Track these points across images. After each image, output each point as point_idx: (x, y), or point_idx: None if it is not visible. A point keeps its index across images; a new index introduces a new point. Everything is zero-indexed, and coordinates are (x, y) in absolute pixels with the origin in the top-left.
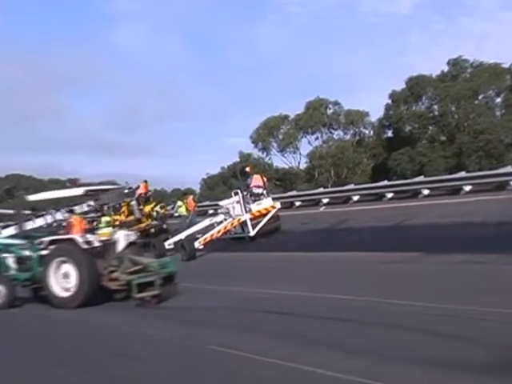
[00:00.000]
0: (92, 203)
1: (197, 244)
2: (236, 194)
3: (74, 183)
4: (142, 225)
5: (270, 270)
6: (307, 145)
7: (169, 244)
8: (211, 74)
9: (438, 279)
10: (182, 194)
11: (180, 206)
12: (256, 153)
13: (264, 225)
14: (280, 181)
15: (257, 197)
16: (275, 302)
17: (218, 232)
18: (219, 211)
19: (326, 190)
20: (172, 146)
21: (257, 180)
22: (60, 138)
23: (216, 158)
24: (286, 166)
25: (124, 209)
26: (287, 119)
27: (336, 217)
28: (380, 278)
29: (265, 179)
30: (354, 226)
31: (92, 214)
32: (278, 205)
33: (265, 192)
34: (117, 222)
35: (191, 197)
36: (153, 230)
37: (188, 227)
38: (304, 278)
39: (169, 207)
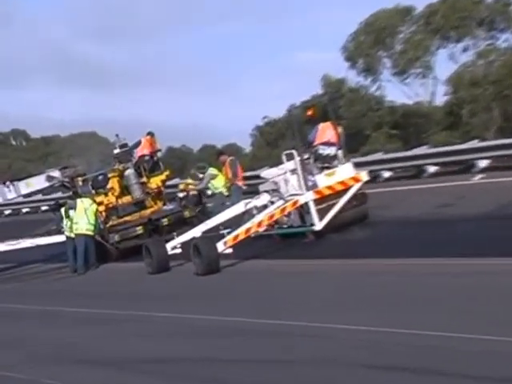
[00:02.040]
0: (56, 174)
1: (221, 246)
2: (289, 157)
3: None
4: (147, 211)
5: (366, 292)
6: (448, 62)
7: (173, 247)
8: None
9: None
10: (217, 155)
11: (214, 177)
12: (354, 78)
13: (340, 211)
14: (398, 128)
15: (326, 162)
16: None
17: (259, 224)
18: (261, 188)
19: (485, 143)
20: (197, 72)
21: (326, 132)
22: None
23: (280, 90)
24: (410, 102)
25: (114, 183)
26: (410, 15)
27: (503, 193)
28: None
29: (340, 130)
30: None
31: (58, 194)
32: (364, 176)
33: (340, 153)
34: (101, 208)
35: (228, 160)
36: (165, 221)
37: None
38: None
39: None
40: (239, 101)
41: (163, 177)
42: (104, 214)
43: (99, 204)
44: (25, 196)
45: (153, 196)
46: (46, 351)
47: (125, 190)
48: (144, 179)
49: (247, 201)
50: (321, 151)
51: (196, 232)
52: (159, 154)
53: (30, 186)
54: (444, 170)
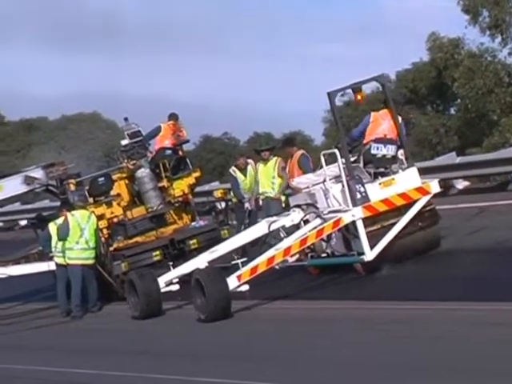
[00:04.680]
0: (38, 175)
1: (234, 281)
2: (330, 159)
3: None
4: (168, 229)
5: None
6: None
7: (168, 282)
8: None
9: None
10: (283, 144)
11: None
12: (475, 38)
13: (400, 235)
14: None
15: (381, 165)
16: None
17: (287, 251)
18: (291, 201)
19: None
20: (241, 27)
21: (380, 124)
22: None
23: (366, 54)
24: None
25: (121, 188)
26: None
27: None
28: None
29: (399, 121)
30: None
31: (45, 202)
32: (434, 186)
33: (401, 154)
34: (101, 223)
35: (299, 154)
36: (193, 243)
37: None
38: None
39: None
40: (305, 70)
41: (192, 180)
42: (106, 232)
43: (99, 218)
44: None
45: (177, 207)
46: None
47: (136, 198)
48: (164, 183)
49: (272, 219)
50: (374, 151)
51: (200, 262)
52: (187, 147)
53: (1, 190)
54: None
